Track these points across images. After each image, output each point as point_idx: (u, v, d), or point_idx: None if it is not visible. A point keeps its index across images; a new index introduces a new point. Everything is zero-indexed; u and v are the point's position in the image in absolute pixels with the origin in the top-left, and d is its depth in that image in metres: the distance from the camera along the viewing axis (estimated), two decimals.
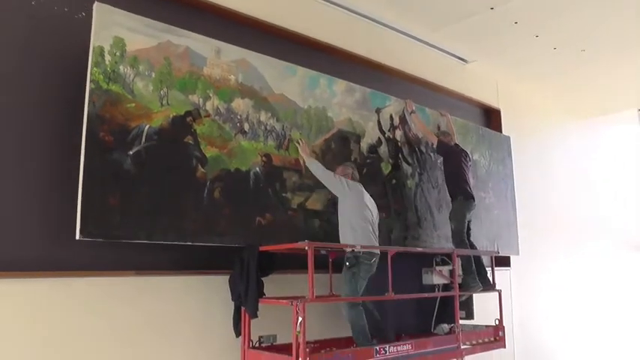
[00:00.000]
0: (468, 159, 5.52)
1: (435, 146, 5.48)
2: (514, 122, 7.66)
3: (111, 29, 3.69)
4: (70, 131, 3.59)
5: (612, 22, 6.02)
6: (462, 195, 5.27)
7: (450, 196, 5.41)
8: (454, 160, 5.41)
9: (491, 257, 5.54)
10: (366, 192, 4.49)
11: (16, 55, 3.53)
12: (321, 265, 4.14)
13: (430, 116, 5.89)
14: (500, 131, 7.34)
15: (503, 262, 6.92)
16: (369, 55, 5.74)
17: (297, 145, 4.54)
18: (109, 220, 3.53)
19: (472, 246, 5.31)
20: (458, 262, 4.98)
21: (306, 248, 3.78)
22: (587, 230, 9.05)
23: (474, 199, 5.31)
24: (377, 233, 4.47)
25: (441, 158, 5.61)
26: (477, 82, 7.25)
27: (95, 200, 3.47)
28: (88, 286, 3.57)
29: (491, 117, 7.55)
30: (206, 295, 4.11)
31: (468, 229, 5.33)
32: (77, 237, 3.39)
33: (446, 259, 5.03)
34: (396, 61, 6.03)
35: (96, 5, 3.64)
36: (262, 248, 4.05)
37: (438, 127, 5.90)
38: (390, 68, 5.97)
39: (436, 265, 5.03)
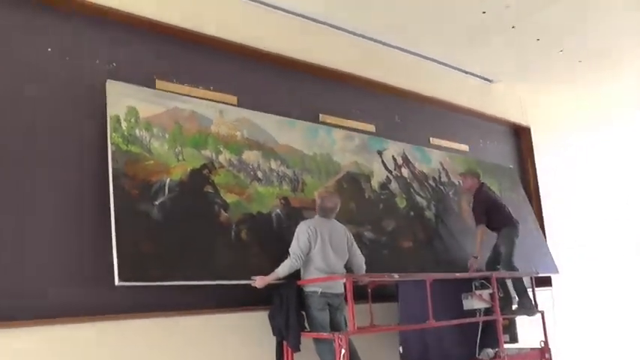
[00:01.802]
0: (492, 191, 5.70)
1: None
2: (544, 138, 7.77)
3: (123, 100, 4.10)
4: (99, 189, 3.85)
5: (635, 29, 6.10)
6: (508, 223, 5.41)
7: (494, 229, 5.48)
8: (484, 196, 5.57)
9: (531, 278, 5.51)
10: (334, 226, 4.33)
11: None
12: (359, 296, 4.16)
13: (430, 155, 6.14)
14: (532, 149, 7.52)
15: (544, 282, 6.79)
16: (392, 82, 6.01)
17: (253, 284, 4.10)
18: (143, 264, 3.68)
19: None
20: (509, 285, 5.05)
21: (344, 281, 3.86)
22: (629, 243, 8.78)
23: (519, 223, 5.47)
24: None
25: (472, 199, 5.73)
26: (503, 102, 7.40)
27: (129, 248, 3.65)
28: (130, 328, 3.66)
29: (520, 135, 7.71)
30: (248, 332, 4.13)
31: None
32: (116, 283, 3.52)
33: (485, 282, 4.99)
34: (419, 86, 6.28)
35: (108, 82, 4.08)
36: (300, 282, 4.11)
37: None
38: (415, 94, 6.23)
39: (475, 289, 5.00)
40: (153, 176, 4.00)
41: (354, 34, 5.72)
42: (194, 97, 4.55)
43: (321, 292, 4.06)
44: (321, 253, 4.12)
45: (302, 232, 4.13)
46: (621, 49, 6.58)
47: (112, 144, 3.89)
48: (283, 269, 4.05)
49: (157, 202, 3.92)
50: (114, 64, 4.24)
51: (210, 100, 4.64)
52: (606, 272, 8.15)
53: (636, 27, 6.08)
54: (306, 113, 5.26)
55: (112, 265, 3.55)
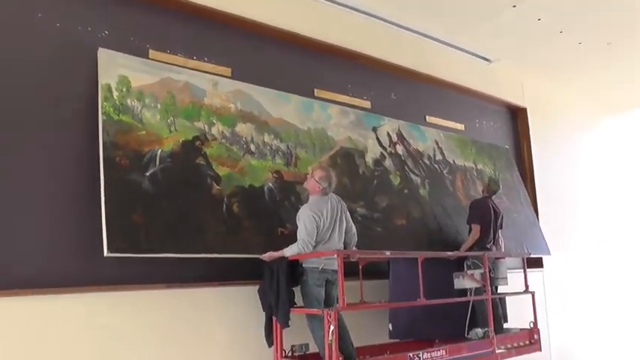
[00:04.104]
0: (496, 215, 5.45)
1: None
2: (541, 120, 7.73)
3: (115, 69, 4.02)
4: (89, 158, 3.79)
5: (638, 13, 5.98)
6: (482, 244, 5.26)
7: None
8: (486, 204, 5.40)
9: (523, 259, 5.49)
10: (331, 201, 4.23)
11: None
12: (350, 273, 4.13)
13: (426, 133, 6.10)
14: (528, 130, 7.50)
15: (536, 263, 6.83)
16: (390, 58, 5.93)
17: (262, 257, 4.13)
18: (134, 236, 3.64)
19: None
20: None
21: (335, 256, 3.85)
22: (623, 227, 8.87)
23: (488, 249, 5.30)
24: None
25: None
26: (501, 82, 7.33)
27: (119, 218, 3.61)
28: (119, 300, 3.64)
29: (517, 116, 7.68)
30: (236, 306, 4.12)
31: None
32: (105, 254, 3.48)
33: (477, 262, 4.99)
34: (418, 64, 6.22)
35: (100, 50, 3.99)
36: (291, 257, 4.06)
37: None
38: (412, 71, 6.17)
39: (467, 268, 5.00)
40: (144, 147, 3.95)
41: (353, 9, 5.61)
42: (188, 68, 4.47)
43: (321, 268, 4.03)
44: (326, 234, 4.09)
45: (308, 219, 4.02)
46: (621, 32, 6.48)
47: (102, 113, 3.82)
48: (291, 252, 4.01)
49: (147, 173, 3.87)
50: (106, 32, 4.15)
51: (203, 71, 4.56)
52: (598, 254, 8.20)
53: (637, 11, 5.96)
54: (302, 87, 5.17)
55: (102, 235, 3.50)
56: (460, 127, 6.76)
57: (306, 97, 5.17)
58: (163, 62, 4.35)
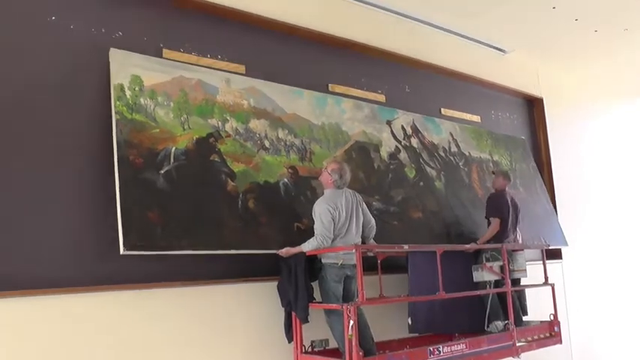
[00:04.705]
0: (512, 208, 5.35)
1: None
2: (557, 110, 7.64)
3: (127, 69, 4.03)
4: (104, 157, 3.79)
5: None
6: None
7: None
8: (504, 199, 5.31)
9: (542, 250, 5.42)
10: (346, 195, 4.21)
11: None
12: (369, 268, 4.08)
13: (441, 125, 6.04)
14: (544, 120, 7.41)
15: (554, 255, 6.74)
16: (404, 51, 5.88)
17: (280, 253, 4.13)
18: (150, 233, 3.63)
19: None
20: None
21: (354, 251, 3.82)
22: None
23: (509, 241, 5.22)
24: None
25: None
26: (516, 72, 7.24)
27: (134, 216, 3.61)
28: (136, 299, 3.64)
29: (534, 106, 7.58)
30: (256, 303, 4.11)
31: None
32: (122, 252, 3.48)
33: (496, 254, 4.93)
34: (433, 56, 6.16)
35: (111, 51, 4.00)
36: (309, 253, 4.04)
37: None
38: (426, 64, 6.11)
39: (486, 261, 4.94)
40: (158, 145, 3.94)
41: (365, 2, 5.57)
42: (202, 65, 4.47)
43: (341, 264, 4.01)
44: (344, 227, 4.07)
45: (325, 213, 4.01)
46: (637, 19, 6.35)
47: (116, 112, 3.83)
48: (309, 247, 3.99)
49: (162, 171, 3.87)
50: (120, 33, 4.16)
51: (217, 69, 4.55)
52: (617, 245, 8.04)
53: None
54: (316, 83, 5.16)
55: (117, 233, 3.51)
56: (476, 118, 6.69)
57: (321, 92, 5.13)
58: (177, 61, 4.35)
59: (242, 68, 4.72)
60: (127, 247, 3.49)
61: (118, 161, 3.70)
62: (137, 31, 4.25)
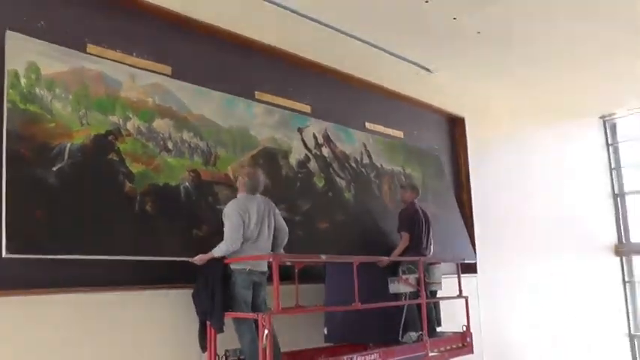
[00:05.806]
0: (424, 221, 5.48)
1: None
2: (478, 130, 7.88)
3: (24, 55, 3.76)
4: None
5: (576, 33, 6.15)
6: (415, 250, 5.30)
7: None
8: (413, 210, 5.45)
9: (457, 264, 5.61)
10: (259, 201, 4.21)
11: None
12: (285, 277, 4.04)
13: (354, 135, 6.11)
14: (465, 139, 7.65)
15: (470, 268, 6.99)
16: (334, 64, 5.93)
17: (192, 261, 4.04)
18: (37, 235, 3.44)
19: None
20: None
21: (271, 260, 3.82)
22: (554, 233, 9.06)
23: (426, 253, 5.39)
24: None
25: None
26: (441, 92, 7.38)
27: (20, 216, 3.40)
28: (20, 305, 3.41)
29: (456, 125, 7.80)
30: (164, 311, 4.00)
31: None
32: (3, 254, 3.27)
33: (412, 267, 5.05)
34: (362, 71, 6.23)
35: (7, 33, 3.73)
36: (227, 261, 3.99)
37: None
38: (355, 78, 6.19)
39: (402, 273, 5.07)
40: (53, 139, 3.73)
41: (298, 13, 5.42)
42: (126, 64, 4.34)
43: (249, 270, 3.98)
44: (254, 232, 4.04)
45: (234, 215, 3.97)
46: (562, 49, 6.60)
47: (7, 101, 3.57)
48: (219, 251, 3.94)
49: (55, 168, 3.65)
50: (42, 23, 3.94)
51: (142, 68, 4.42)
52: (530, 260, 8.38)
53: (576, 28, 6.09)
54: (243, 89, 5.11)
55: (1, 234, 3.28)
56: (399, 134, 6.84)
57: (247, 99, 5.13)
58: (101, 57, 4.20)
59: (168, 69, 4.62)
60: (10, 250, 3.28)
61: (6, 155, 3.45)
62: (60, 22, 4.04)
